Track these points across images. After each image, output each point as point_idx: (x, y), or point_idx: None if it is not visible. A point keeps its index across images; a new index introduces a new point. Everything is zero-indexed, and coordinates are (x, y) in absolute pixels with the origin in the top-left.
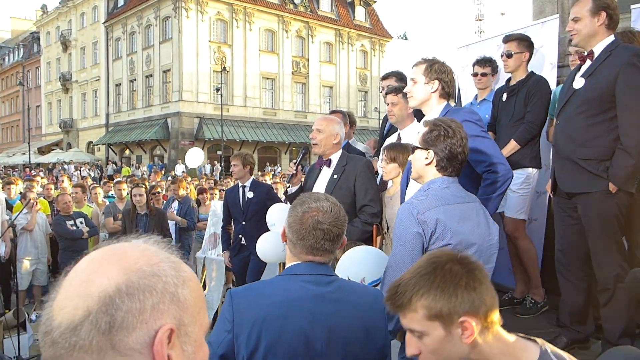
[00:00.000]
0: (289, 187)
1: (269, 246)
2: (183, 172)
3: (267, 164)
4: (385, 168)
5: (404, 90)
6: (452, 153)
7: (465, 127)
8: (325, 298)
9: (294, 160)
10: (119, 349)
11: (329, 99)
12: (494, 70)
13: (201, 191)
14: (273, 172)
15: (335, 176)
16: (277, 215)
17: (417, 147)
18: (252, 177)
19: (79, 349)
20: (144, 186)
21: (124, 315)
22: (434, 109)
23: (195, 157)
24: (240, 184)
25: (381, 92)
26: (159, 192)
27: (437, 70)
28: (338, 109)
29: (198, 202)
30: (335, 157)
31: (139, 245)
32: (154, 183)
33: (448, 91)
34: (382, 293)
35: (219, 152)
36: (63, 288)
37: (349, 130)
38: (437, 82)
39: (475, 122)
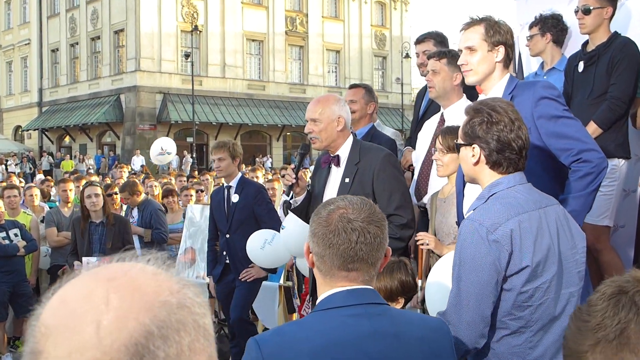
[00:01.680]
0: (291, 199)
1: (254, 242)
2: (143, 166)
3: (254, 155)
4: (440, 160)
5: (458, 63)
6: (501, 142)
7: (544, 106)
8: (381, 334)
9: (292, 165)
10: None
11: (335, 67)
12: (547, 28)
13: (167, 193)
14: (262, 164)
15: (347, 180)
16: (293, 220)
17: (461, 144)
18: (240, 173)
19: None
20: (99, 185)
21: None
22: (497, 84)
23: (164, 150)
24: (224, 184)
25: (405, 57)
26: (115, 194)
27: (499, 31)
28: (358, 83)
29: (165, 208)
30: (344, 152)
31: (140, 267)
32: (109, 181)
33: (511, 58)
34: (445, 322)
35: (190, 140)
36: (51, 342)
37: (374, 110)
38: (501, 48)
39: (556, 100)
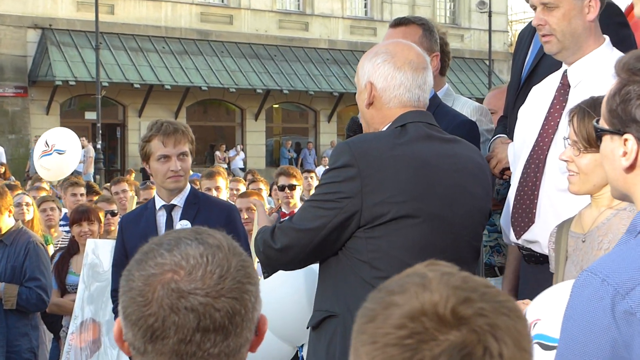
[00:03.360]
0: None
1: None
2: (2, 165)
3: (213, 145)
4: (576, 163)
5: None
6: None
7: None
8: None
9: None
10: None
11: None
12: None
13: (80, 216)
14: (227, 163)
15: None
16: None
17: (603, 131)
18: (189, 184)
19: None
20: None
21: None
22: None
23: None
24: (159, 202)
25: None
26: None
27: None
28: (409, 17)
29: (72, 245)
30: None
31: None
32: None
33: None
34: None
35: (91, 116)
36: None
37: (438, 66)
38: None
39: None
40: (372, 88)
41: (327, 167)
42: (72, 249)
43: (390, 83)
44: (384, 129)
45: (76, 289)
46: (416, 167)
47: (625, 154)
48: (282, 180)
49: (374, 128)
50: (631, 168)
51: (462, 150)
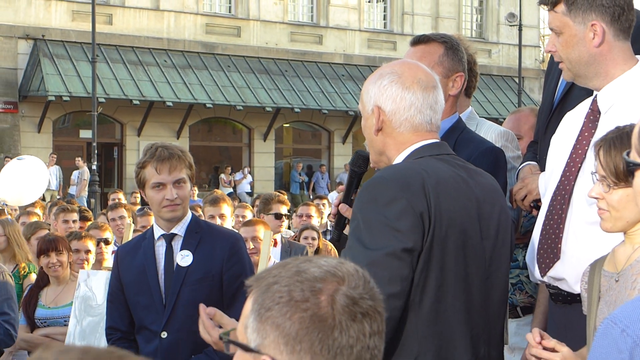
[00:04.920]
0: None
1: None
2: None
3: (218, 167)
4: (606, 200)
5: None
6: None
7: None
8: None
9: (341, 186)
10: None
11: None
12: None
13: (48, 245)
14: (233, 186)
15: None
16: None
17: (636, 165)
18: (190, 212)
19: None
20: None
21: None
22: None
23: (21, 183)
24: (158, 231)
25: None
26: None
27: None
28: (431, 34)
29: (41, 277)
30: None
31: None
32: None
33: None
34: None
35: (86, 134)
36: None
37: (462, 87)
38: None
39: None
40: (380, 112)
41: (363, 211)
42: (42, 281)
43: (400, 105)
44: (399, 158)
45: (46, 323)
46: (455, 196)
47: None
48: (276, 209)
49: (386, 157)
50: None
51: (483, 179)
